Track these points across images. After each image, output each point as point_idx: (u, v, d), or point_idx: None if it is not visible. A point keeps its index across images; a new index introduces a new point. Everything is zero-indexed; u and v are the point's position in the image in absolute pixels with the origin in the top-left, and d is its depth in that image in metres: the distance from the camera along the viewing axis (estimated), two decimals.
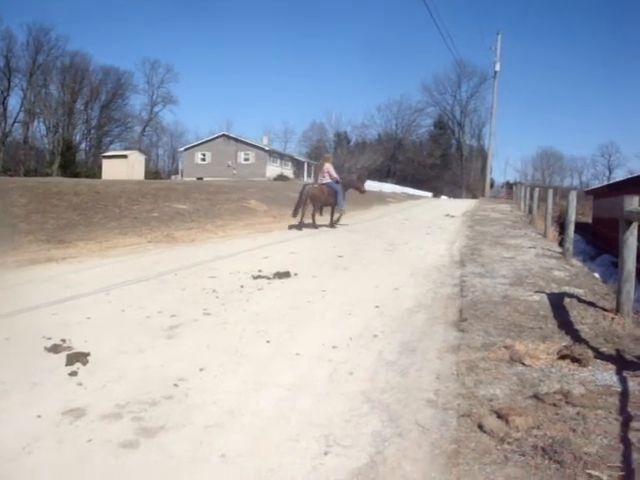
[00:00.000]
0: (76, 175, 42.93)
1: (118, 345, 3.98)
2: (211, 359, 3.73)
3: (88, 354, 3.72)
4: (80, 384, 3.26)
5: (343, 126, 74.11)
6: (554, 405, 2.87)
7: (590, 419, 2.71)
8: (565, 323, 4.52)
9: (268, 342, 4.10)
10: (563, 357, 3.61)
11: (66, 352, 3.77)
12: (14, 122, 60.36)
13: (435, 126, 77.63)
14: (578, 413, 2.78)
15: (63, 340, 4.02)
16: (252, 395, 3.16)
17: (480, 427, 2.64)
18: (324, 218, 13.64)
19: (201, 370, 3.52)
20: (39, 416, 2.83)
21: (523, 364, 3.54)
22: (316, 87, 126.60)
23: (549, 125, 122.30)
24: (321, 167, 13.84)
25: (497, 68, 41.11)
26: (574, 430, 2.59)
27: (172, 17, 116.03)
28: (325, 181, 13.31)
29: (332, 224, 13.42)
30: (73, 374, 3.41)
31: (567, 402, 2.90)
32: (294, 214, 13.04)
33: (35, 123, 62.30)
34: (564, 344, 3.84)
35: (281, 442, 2.62)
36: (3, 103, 59.04)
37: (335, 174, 13.46)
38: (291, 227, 12.99)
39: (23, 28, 62.99)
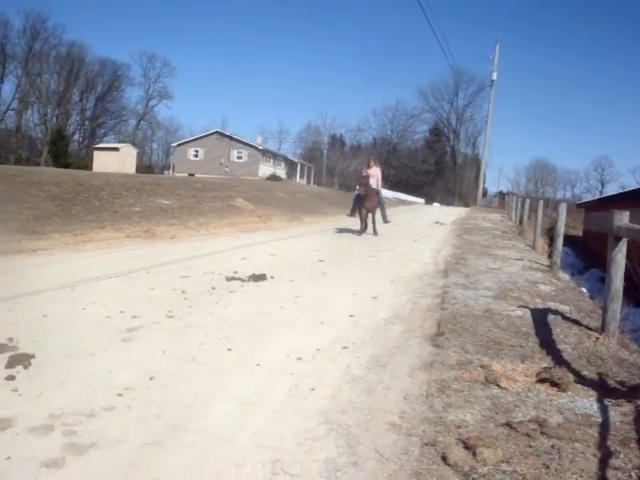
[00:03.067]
0: (67, 166, 42.33)
1: (68, 347, 3.69)
2: (164, 366, 3.45)
3: (32, 356, 3.45)
4: (15, 390, 2.98)
5: (338, 128, 73.77)
6: (528, 436, 2.61)
7: (566, 454, 2.45)
8: (547, 342, 4.28)
9: (229, 350, 3.83)
10: (542, 380, 3.35)
11: (9, 353, 3.49)
12: (7, 110, 59.73)
13: (430, 132, 77.44)
14: (553, 446, 2.52)
15: (10, 339, 3.74)
16: (201, 409, 2.88)
17: (444, 459, 2.37)
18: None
19: (151, 379, 3.24)
20: None
21: (499, 386, 3.28)
22: (313, 88, 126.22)
23: (543, 136, 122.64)
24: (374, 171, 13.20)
25: (494, 77, 41.11)
26: (547, 466, 2.33)
27: (171, 11, 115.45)
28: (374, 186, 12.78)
29: (375, 230, 12.76)
30: (10, 378, 3.12)
31: (542, 433, 2.65)
32: (351, 214, 13.57)
33: (29, 111, 61.63)
34: (544, 366, 3.60)
35: (223, 466, 2.35)
36: None
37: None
38: (277, 228, 12.72)
39: (20, 14, 62.12)
